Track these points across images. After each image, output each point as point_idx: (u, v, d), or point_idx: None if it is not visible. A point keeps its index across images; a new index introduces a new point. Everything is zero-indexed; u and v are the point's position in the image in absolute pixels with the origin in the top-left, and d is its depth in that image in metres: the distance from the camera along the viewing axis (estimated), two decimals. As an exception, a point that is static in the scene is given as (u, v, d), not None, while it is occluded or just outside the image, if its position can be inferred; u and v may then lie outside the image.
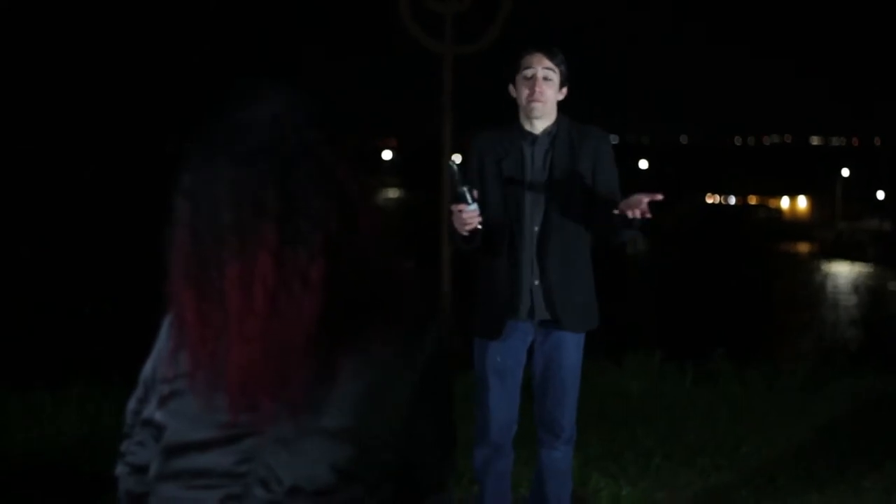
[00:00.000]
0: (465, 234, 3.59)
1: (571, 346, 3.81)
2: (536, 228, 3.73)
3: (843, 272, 52.85)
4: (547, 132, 3.77)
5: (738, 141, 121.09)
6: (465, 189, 3.51)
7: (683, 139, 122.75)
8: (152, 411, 1.50)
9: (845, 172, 76.86)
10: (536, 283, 3.74)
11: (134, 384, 1.60)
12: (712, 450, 5.50)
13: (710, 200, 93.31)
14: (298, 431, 1.38)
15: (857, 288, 45.12)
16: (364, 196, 1.44)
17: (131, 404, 1.60)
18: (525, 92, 3.73)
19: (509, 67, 3.81)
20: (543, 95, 3.71)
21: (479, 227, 3.59)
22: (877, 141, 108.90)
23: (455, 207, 3.55)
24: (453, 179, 3.52)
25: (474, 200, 3.53)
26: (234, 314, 1.36)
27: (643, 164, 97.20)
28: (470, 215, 3.53)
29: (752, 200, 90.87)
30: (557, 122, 3.79)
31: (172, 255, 1.41)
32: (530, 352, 3.88)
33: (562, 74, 3.77)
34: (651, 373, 7.25)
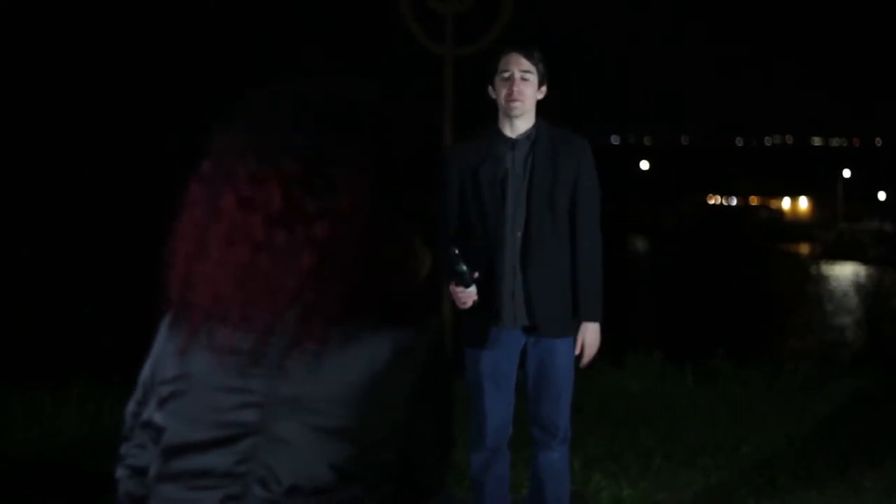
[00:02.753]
0: (461, 307, 3.69)
1: (563, 349, 3.81)
2: (519, 234, 3.71)
3: (843, 273, 52.83)
4: (526, 136, 3.75)
5: (739, 141, 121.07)
6: (464, 270, 3.58)
7: (684, 140, 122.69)
8: (151, 413, 1.50)
9: (846, 173, 76.87)
10: (518, 289, 3.74)
11: (134, 384, 1.60)
12: (713, 450, 5.50)
13: (711, 201, 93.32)
14: (298, 430, 1.38)
15: (857, 288, 45.11)
16: (400, 198, 1.45)
17: (130, 407, 1.60)
18: (504, 92, 3.71)
19: (488, 68, 3.80)
20: (522, 94, 3.70)
21: (475, 303, 3.67)
22: (878, 141, 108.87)
23: (453, 288, 3.63)
24: (453, 261, 3.57)
25: (473, 282, 3.61)
26: (224, 223, 1.38)
27: (644, 164, 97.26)
28: (467, 296, 3.63)
29: (754, 201, 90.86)
30: (537, 126, 3.77)
31: (204, 159, 1.45)
32: (523, 353, 3.88)
33: (539, 73, 3.75)
34: (651, 373, 7.25)
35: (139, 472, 1.54)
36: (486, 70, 3.82)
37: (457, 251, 3.57)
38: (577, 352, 3.82)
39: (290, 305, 1.37)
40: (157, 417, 1.48)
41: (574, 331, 3.82)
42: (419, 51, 7.10)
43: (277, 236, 1.36)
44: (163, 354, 1.50)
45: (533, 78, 3.73)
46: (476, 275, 3.62)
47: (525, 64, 3.72)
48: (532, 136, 3.75)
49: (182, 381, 1.45)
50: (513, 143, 3.75)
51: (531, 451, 3.98)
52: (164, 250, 1.46)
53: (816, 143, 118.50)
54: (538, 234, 3.71)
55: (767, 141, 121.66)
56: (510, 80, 3.71)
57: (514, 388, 3.89)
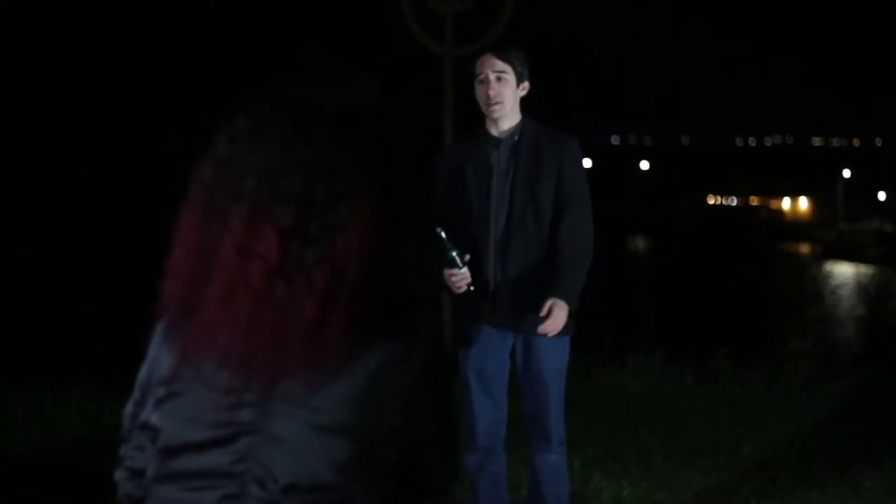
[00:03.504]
0: (457, 293, 3.66)
1: (550, 351, 3.75)
2: (499, 233, 3.72)
3: (843, 273, 52.84)
4: (510, 134, 3.75)
5: (739, 141, 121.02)
6: (454, 254, 3.59)
7: (685, 140, 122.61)
8: (149, 414, 1.50)
9: (846, 173, 76.92)
10: (501, 287, 3.73)
11: (134, 384, 1.60)
12: (713, 450, 5.50)
13: (711, 201, 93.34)
14: (295, 428, 1.38)
15: (857, 289, 45.12)
16: (402, 224, 1.42)
17: (128, 408, 1.59)
18: (482, 96, 3.73)
19: (471, 72, 3.81)
20: (500, 96, 3.69)
21: (471, 288, 3.65)
22: (878, 141, 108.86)
23: (446, 272, 3.62)
24: (441, 244, 3.56)
25: (464, 264, 3.62)
26: (223, 271, 1.36)
27: (644, 164, 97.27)
28: (460, 278, 3.62)
29: (754, 201, 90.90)
30: (522, 124, 3.77)
31: (192, 184, 1.41)
32: (514, 353, 3.86)
33: (517, 71, 3.73)
34: (652, 373, 7.24)
35: (138, 473, 1.54)
36: (470, 74, 3.83)
37: (443, 234, 3.57)
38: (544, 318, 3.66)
39: (291, 349, 1.37)
40: (154, 418, 1.47)
41: (567, 330, 3.75)
42: (419, 51, 7.10)
43: (278, 288, 1.35)
44: (159, 356, 1.50)
45: (509, 77, 3.71)
46: (467, 257, 3.63)
47: (499, 64, 3.71)
48: (516, 134, 3.75)
49: (177, 381, 1.45)
50: (497, 142, 3.75)
51: (528, 451, 3.97)
52: (160, 264, 1.44)
53: (816, 144, 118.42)
54: (520, 231, 3.70)
55: (767, 141, 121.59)
56: (485, 82, 3.71)
57: (505, 389, 3.87)
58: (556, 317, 3.61)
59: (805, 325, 31.31)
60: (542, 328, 3.63)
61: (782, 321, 31.72)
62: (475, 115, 3.91)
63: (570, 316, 3.75)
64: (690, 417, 6.16)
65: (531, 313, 3.71)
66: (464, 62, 6.97)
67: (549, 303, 3.61)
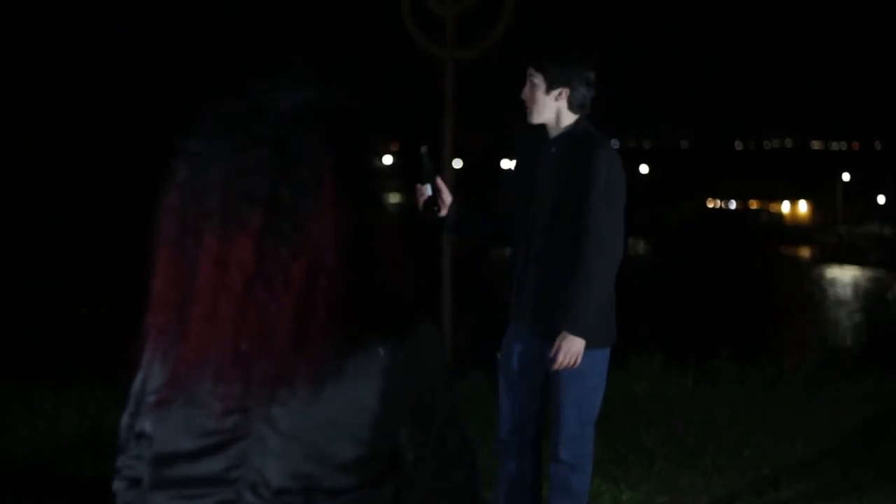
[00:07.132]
0: (421, 208, 3.78)
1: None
2: (535, 231, 3.72)
3: (843, 276, 52.85)
4: (559, 135, 3.76)
5: (738, 145, 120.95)
6: (428, 168, 3.77)
7: (684, 143, 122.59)
8: (143, 423, 1.50)
9: (846, 177, 76.99)
10: (532, 286, 3.72)
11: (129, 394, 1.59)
12: (714, 452, 5.49)
13: (710, 204, 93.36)
14: (288, 432, 1.38)
15: (857, 292, 45.13)
16: (369, 206, 1.43)
17: (124, 419, 1.59)
18: None
19: None
20: (527, 98, 3.77)
21: (436, 209, 3.78)
22: (877, 145, 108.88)
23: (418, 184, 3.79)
24: (422, 162, 3.75)
25: (432, 182, 3.77)
26: (204, 289, 1.36)
27: (644, 168, 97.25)
28: (420, 193, 3.78)
29: (754, 205, 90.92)
30: (574, 126, 3.74)
31: (161, 211, 1.42)
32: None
33: (548, 76, 3.72)
34: (653, 375, 7.23)
35: (138, 482, 1.53)
36: None
37: (425, 150, 3.75)
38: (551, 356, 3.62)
39: (280, 348, 1.37)
40: (147, 426, 1.47)
41: (596, 341, 3.68)
42: (421, 54, 7.10)
43: (258, 289, 1.35)
44: (151, 370, 1.50)
45: (538, 82, 3.73)
46: (439, 179, 3.79)
47: (530, 69, 3.77)
48: (566, 135, 3.75)
49: (170, 390, 1.44)
50: (550, 142, 3.77)
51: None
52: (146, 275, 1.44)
53: (816, 147, 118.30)
54: (555, 232, 3.68)
55: (767, 144, 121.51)
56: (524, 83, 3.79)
57: (533, 392, 3.82)
58: (565, 353, 3.59)
59: (804, 329, 31.32)
60: (555, 367, 3.62)
61: (782, 324, 31.72)
62: (475, 117, 3.93)
63: (602, 326, 3.70)
64: (691, 419, 6.15)
65: (548, 318, 3.66)
66: (464, 64, 6.97)
67: (557, 342, 3.59)
